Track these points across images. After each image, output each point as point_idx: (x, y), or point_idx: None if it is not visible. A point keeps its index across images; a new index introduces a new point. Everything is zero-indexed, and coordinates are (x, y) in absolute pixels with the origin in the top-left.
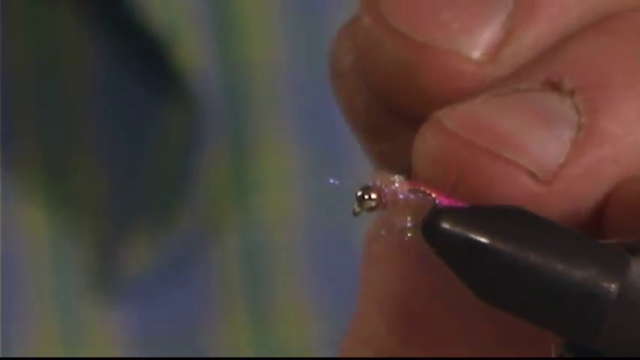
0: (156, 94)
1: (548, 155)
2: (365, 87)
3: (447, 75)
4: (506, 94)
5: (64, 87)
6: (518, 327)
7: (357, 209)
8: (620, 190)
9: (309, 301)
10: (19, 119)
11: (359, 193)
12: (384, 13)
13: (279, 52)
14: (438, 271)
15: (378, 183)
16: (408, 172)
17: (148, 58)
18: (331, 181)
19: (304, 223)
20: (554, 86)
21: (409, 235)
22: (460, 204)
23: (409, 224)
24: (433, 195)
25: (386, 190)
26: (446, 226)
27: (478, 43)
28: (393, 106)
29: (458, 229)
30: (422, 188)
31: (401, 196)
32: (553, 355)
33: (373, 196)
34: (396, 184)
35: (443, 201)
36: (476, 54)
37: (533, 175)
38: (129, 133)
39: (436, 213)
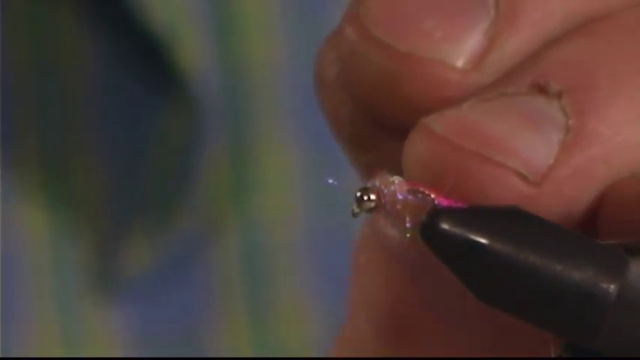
0: (156, 94)
1: (538, 157)
2: (349, 98)
3: (432, 84)
4: (493, 98)
5: (64, 87)
6: (504, 333)
7: (357, 210)
8: (614, 191)
9: (309, 301)
10: (19, 119)
11: (358, 194)
12: (366, 23)
13: (279, 52)
14: (424, 278)
15: (377, 184)
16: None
17: (148, 58)
18: (330, 181)
19: (304, 223)
20: (541, 89)
21: (408, 236)
22: (459, 205)
23: (408, 225)
24: (432, 196)
25: (385, 191)
26: (445, 226)
27: (462, 52)
28: (377, 117)
29: (457, 230)
30: (421, 189)
31: (400, 197)
32: (552, 356)
33: (372, 197)
34: (395, 185)
35: (442, 202)
36: (460, 62)
37: (523, 177)
38: (129, 133)
39: (435, 214)
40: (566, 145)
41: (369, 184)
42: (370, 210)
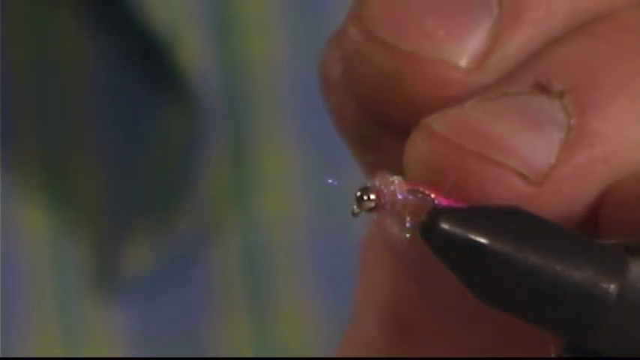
0: (156, 94)
1: (539, 157)
2: (353, 98)
3: (435, 83)
4: (495, 97)
5: (64, 87)
6: (504, 333)
7: (357, 210)
8: (616, 190)
9: (309, 301)
10: (19, 119)
11: (358, 194)
12: (370, 23)
13: (279, 52)
14: (430, 278)
15: (377, 184)
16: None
17: (148, 58)
18: (330, 181)
19: (304, 223)
20: (543, 88)
21: (408, 235)
22: (459, 205)
23: (408, 225)
24: (432, 196)
25: (385, 191)
26: (445, 226)
27: (465, 51)
28: (381, 117)
29: (457, 230)
30: (421, 189)
31: (400, 197)
32: (552, 356)
33: (372, 196)
34: (395, 185)
35: (442, 202)
36: (463, 62)
37: (524, 177)
38: (129, 133)
39: (435, 213)
40: (567, 145)
41: (369, 184)
42: (370, 210)
